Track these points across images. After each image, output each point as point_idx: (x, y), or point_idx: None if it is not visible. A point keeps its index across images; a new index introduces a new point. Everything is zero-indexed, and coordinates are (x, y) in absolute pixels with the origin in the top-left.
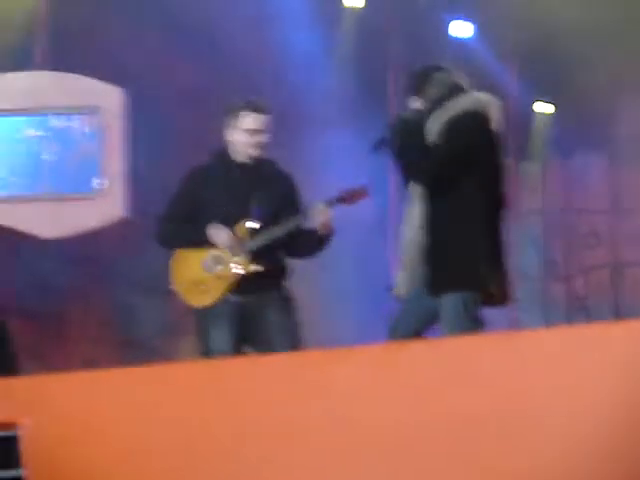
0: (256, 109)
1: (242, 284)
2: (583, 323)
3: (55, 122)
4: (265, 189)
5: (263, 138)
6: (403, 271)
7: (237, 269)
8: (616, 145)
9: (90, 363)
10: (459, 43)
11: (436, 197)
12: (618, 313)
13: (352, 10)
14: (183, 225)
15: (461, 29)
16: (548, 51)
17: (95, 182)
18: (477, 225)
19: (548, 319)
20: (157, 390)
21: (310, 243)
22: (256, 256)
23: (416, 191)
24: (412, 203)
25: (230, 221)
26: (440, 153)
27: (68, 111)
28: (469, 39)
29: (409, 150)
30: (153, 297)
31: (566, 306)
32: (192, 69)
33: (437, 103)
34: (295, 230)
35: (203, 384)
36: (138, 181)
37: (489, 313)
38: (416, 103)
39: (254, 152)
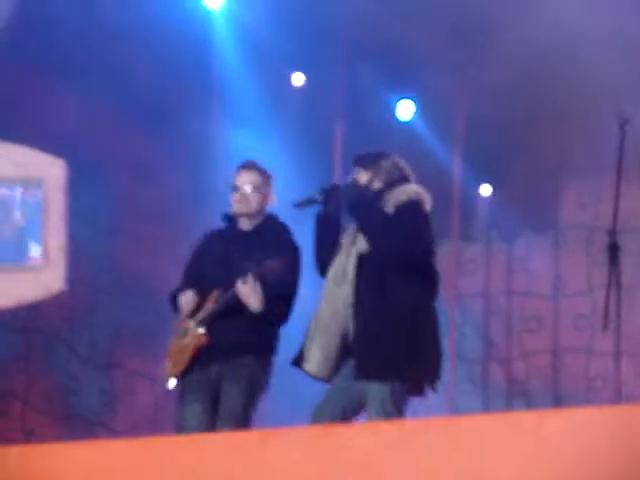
0: (243, 166)
1: (206, 355)
2: (522, 408)
3: None
4: (256, 255)
5: (252, 194)
6: (314, 345)
7: (188, 340)
8: (559, 230)
9: (31, 435)
10: (403, 124)
11: (368, 280)
12: (558, 398)
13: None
14: (178, 289)
15: (404, 109)
16: (491, 134)
17: (35, 254)
18: (410, 314)
19: (487, 403)
20: (98, 465)
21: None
22: (212, 325)
23: (348, 268)
24: (341, 275)
25: (211, 289)
26: (396, 226)
27: (9, 181)
28: (411, 120)
29: (366, 211)
30: (95, 369)
31: (506, 390)
32: (139, 139)
33: (387, 186)
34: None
35: (137, 461)
36: (78, 253)
37: (429, 395)
38: (362, 177)
39: (240, 208)
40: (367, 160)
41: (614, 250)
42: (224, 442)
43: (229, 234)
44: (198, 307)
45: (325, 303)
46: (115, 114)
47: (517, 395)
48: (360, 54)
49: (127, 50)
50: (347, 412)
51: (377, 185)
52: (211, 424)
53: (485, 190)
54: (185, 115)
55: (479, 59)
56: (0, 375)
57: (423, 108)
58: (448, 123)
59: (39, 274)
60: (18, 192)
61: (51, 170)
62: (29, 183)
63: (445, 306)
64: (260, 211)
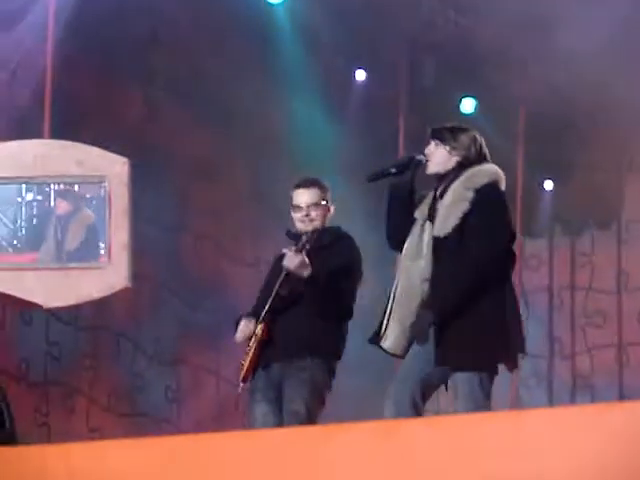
0: (302, 185)
1: (268, 354)
2: (587, 402)
3: (60, 191)
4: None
5: (313, 212)
6: (392, 321)
7: (251, 342)
8: (622, 224)
9: (97, 432)
10: (465, 118)
11: (445, 257)
12: (622, 393)
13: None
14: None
15: (467, 105)
16: (554, 129)
17: (99, 251)
18: (493, 301)
19: (552, 398)
20: (164, 462)
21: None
22: (273, 323)
23: (422, 243)
24: (416, 251)
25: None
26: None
27: (73, 180)
28: (474, 115)
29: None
30: (160, 365)
31: (571, 385)
32: (204, 137)
33: (464, 163)
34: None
35: (205, 457)
36: (143, 250)
37: (492, 389)
38: (439, 150)
39: (304, 227)
40: (445, 133)
41: None
42: (288, 437)
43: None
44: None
45: (401, 279)
46: (180, 112)
47: (582, 390)
48: (422, 50)
49: (192, 47)
50: (425, 394)
51: (454, 159)
52: (280, 423)
53: (548, 185)
54: (249, 113)
55: (541, 55)
56: (67, 372)
57: (485, 104)
58: (510, 119)
59: (103, 272)
60: (82, 191)
61: (114, 168)
62: (92, 181)
63: None
64: (323, 225)
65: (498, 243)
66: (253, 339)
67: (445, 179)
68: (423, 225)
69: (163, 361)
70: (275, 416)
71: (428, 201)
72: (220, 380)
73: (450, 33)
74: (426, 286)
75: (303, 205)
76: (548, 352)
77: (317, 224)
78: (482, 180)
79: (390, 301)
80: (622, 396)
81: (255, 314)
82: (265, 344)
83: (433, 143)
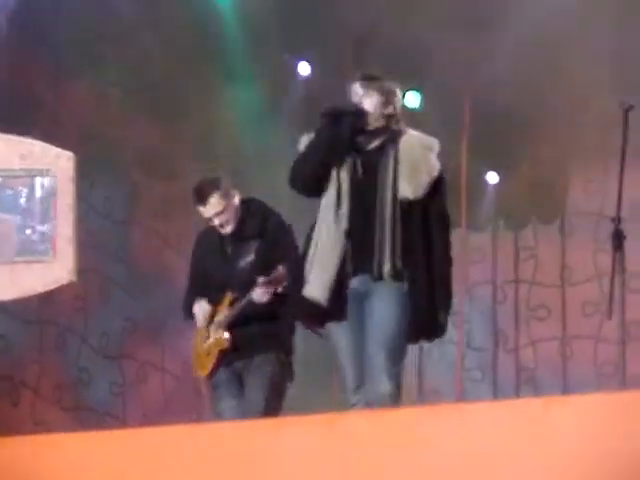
0: (200, 199)
1: (230, 356)
2: (531, 395)
3: (5, 184)
4: (249, 253)
5: (223, 217)
6: (316, 270)
7: (212, 342)
8: (566, 218)
9: (42, 426)
10: (409, 112)
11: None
12: (566, 386)
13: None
14: (188, 298)
15: (411, 99)
16: (498, 123)
17: (44, 245)
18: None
19: (497, 391)
20: (109, 455)
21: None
22: (233, 326)
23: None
24: (336, 201)
25: (220, 292)
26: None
27: (18, 174)
28: (418, 109)
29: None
30: (106, 360)
31: (515, 378)
32: (153, 131)
33: (394, 120)
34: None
35: (150, 451)
36: (90, 245)
37: (438, 383)
38: (373, 100)
39: (223, 231)
40: (377, 80)
41: (618, 237)
42: (233, 430)
43: (219, 237)
44: (212, 311)
45: (323, 228)
46: (127, 106)
47: (526, 383)
48: (366, 45)
49: (140, 42)
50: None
51: (386, 113)
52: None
53: (492, 178)
54: (197, 107)
55: (485, 50)
56: (12, 365)
57: (429, 98)
58: (454, 112)
59: (48, 265)
60: (27, 184)
61: (59, 161)
62: (37, 175)
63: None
64: (236, 215)
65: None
66: (212, 342)
67: (379, 133)
68: (340, 175)
69: (109, 355)
70: (240, 408)
71: (350, 152)
72: (165, 374)
73: (394, 28)
74: (347, 238)
75: (210, 216)
76: (492, 345)
77: (230, 226)
78: (435, 145)
79: (312, 248)
80: (566, 389)
81: (199, 293)
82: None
83: (362, 91)
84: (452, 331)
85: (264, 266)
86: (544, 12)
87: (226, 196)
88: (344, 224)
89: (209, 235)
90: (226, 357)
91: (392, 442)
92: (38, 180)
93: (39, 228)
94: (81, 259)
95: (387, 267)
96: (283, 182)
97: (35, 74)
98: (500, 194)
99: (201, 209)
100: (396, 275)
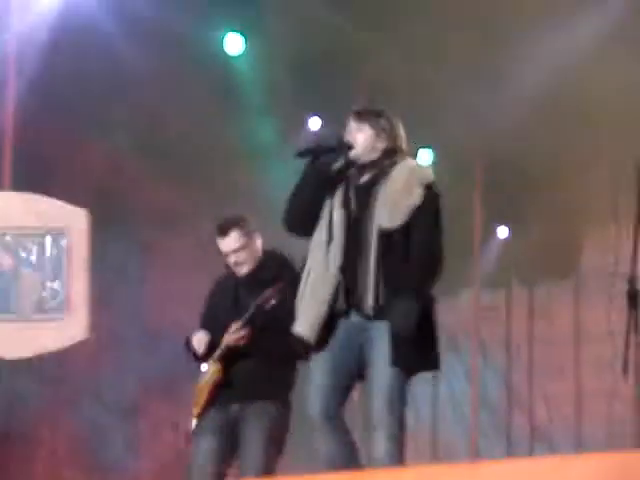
0: (221, 232)
1: (225, 395)
2: (545, 453)
3: (20, 243)
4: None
5: (240, 256)
6: (306, 308)
7: (207, 377)
8: (580, 275)
9: None
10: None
11: (390, 249)
12: (580, 443)
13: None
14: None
15: (423, 156)
16: (513, 180)
17: (59, 303)
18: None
19: (510, 449)
20: None
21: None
22: (229, 364)
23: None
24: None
25: (225, 327)
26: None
27: (33, 232)
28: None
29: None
30: (121, 416)
31: (528, 436)
32: (167, 189)
33: (389, 153)
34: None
35: None
36: (104, 302)
37: (450, 440)
38: (364, 135)
39: (239, 270)
40: (371, 116)
41: (633, 296)
42: None
43: (234, 279)
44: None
45: (314, 265)
46: (142, 164)
47: (540, 440)
48: (378, 101)
49: (154, 99)
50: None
51: (379, 146)
52: (225, 463)
53: (503, 233)
54: (212, 164)
55: (496, 104)
56: (28, 423)
57: (442, 155)
58: (467, 169)
59: (62, 323)
60: (41, 242)
61: (74, 219)
62: (52, 233)
63: (467, 354)
64: (254, 257)
65: (439, 249)
66: (208, 377)
67: (371, 166)
68: (332, 210)
69: (123, 412)
70: (221, 454)
71: (341, 186)
72: (179, 430)
73: (406, 82)
74: (339, 275)
75: (228, 252)
76: (506, 403)
77: (246, 267)
78: (428, 177)
79: (302, 286)
80: (580, 447)
81: (204, 328)
82: (220, 384)
83: (355, 125)
84: (466, 388)
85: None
86: (553, 70)
87: (247, 235)
88: (335, 260)
89: (225, 281)
90: (221, 395)
91: None
92: (52, 238)
93: (53, 285)
94: (95, 316)
95: (369, 303)
96: None
97: (52, 135)
98: (513, 250)
99: (220, 242)
100: (380, 311)
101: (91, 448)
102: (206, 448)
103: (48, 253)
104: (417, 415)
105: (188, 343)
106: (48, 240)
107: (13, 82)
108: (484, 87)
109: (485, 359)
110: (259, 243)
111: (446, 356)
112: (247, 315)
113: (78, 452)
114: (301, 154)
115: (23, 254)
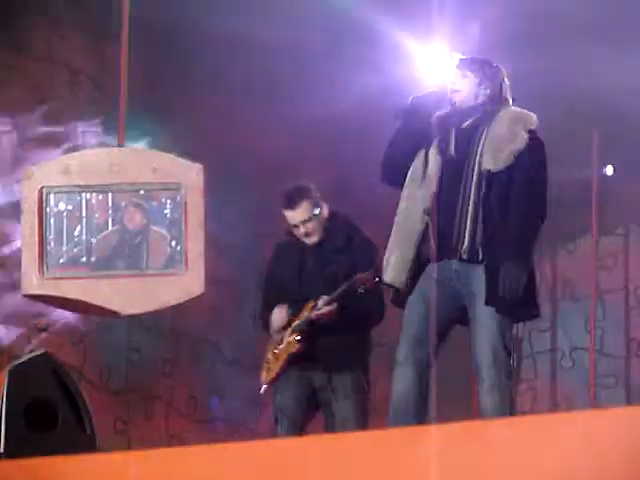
0: (291, 204)
1: (307, 365)
2: None
3: (136, 198)
4: (333, 266)
5: (310, 226)
6: (394, 253)
7: (283, 347)
8: None
9: (176, 439)
10: None
11: (493, 192)
12: None
13: None
14: (264, 308)
15: None
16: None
17: (176, 258)
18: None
19: (630, 398)
20: (243, 468)
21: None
22: (306, 335)
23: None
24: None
25: (299, 302)
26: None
27: (149, 187)
28: None
29: None
30: (241, 370)
31: None
32: (273, 143)
33: (493, 100)
34: None
35: (284, 462)
36: (221, 256)
37: (568, 390)
38: (467, 83)
39: (308, 241)
40: (475, 64)
41: None
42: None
43: (300, 246)
44: (290, 320)
45: (404, 207)
46: (259, 116)
47: None
48: None
49: (270, 54)
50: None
51: (483, 93)
52: (303, 423)
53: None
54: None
55: None
56: (147, 378)
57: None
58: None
59: (180, 278)
60: (158, 198)
61: (190, 174)
62: (169, 188)
63: (585, 302)
64: (322, 226)
65: (543, 195)
66: (284, 346)
67: (474, 111)
68: (428, 156)
69: (244, 366)
70: (301, 416)
71: (438, 133)
72: None
73: None
74: (426, 218)
75: (297, 224)
76: (625, 352)
77: (315, 237)
78: (532, 122)
79: (393, 235)
80: None
81: (276, 300)
82: (297, 354)
83: (460, 73)
84: (584, 337)
85: (346, 280)
86: None
87: (315, 206)
88: (424, 203)
89: (289, 246)
90: (302, 365)
91: (527, 449)
92: (169, 194)
93: (171, 242)
94: (213, 271)
95: (466, 245)
96: None
97: (166, 87)
98: (631, 197)
99: (289, 214)
100: (475, 254)
101: (210, 403)
102: (286, 406)
103: (167, 209)
104: (535, 366)
105: (265, 317)
106: (164, 195)
107: (126, 36)
108: None
109: (604, 308)
110: (326, 211)
111: (564, 305)
112: (336, 293)
113: (197, 408)
114: (403, 112)
115: (141, 209)
